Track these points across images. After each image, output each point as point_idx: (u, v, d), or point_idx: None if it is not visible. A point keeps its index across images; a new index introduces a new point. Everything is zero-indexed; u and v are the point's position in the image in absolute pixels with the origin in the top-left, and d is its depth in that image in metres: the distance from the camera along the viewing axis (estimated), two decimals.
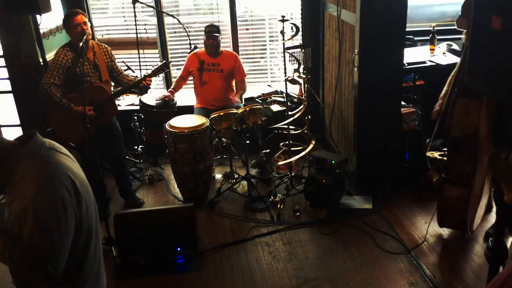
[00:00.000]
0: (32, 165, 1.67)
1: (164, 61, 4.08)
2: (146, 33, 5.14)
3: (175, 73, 5.34)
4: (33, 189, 1.62)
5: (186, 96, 5.07)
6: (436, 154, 3.55)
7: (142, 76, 3.98)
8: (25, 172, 1.66)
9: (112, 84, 4.02)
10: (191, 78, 4.87)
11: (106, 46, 3.93)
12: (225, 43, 5.23)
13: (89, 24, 3.68)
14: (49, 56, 4.22)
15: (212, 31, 4.61)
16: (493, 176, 1.70)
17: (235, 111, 4.10)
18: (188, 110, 4.72)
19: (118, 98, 4.22)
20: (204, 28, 4.72)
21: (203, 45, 4.74)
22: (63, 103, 3.59)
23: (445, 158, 3.38)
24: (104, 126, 3.82)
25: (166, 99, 4.50)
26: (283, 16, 3.93)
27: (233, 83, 4.84)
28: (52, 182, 1.65)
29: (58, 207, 1.64)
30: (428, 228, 3.52)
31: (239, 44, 5.25)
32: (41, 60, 4.05)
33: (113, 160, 4.14)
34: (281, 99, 4.58)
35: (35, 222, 1.60)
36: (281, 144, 4.44)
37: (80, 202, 1.73)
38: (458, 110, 3.16)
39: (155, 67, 3.98)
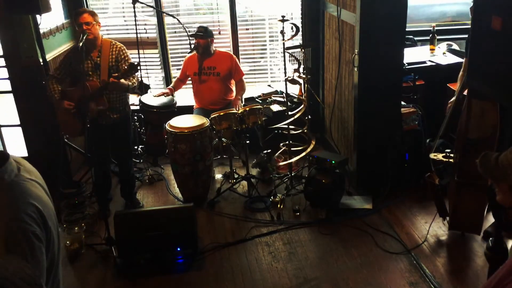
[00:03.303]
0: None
1: (132, 63, 3.68)
2: (146, 33, 5.14)
3: (175, 73, 5.34)
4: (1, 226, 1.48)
5: (186, 96, 5.07)
6: (440, 156, 3.53)
7: (141, 78, 3.96)
8: None
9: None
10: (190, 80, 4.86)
11: (120, 46, 3.79)
12: (225, 43, 5.23)
13: (94, 23, 3.63)
14: (49, 56, 4.22)
15: (197, 31, 4.51)
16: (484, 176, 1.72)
17: (235, 111, 4.10)
18: (188, 110, 4.72)
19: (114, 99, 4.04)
20: None
21: None
22: (51, 95, 3.73)
23: (450, 160, 3.32)
24: (108, 127, 3.82)
25: (165, 95, 4.51)
26: (283, 16, 3.93)
27: (232, 83, 4.82)
28: (19, 218, 1.51)
29: (30, 242, 1.50)
30: (429, 228, 3.52)
31: (239, 44, 5.25)
32: (41, 60, 4.05)
33: (119, 159, 4.16)
34: (281, 99, 4.58)
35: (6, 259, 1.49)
36: (281, 144, 4.44)
37: (47, 230, 1.60)
38: (474, 111, 3.07)
39: (124, 68, 3.66)
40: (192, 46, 4.60)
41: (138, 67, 3.66)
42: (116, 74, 3.60)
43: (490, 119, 3.04)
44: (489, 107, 3.03)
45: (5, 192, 1.52)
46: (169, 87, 4.75)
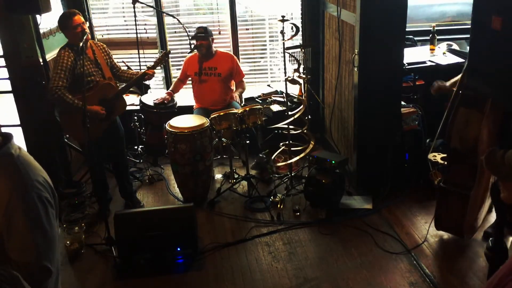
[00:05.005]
0: (9, 171, 1.65)
1: (164, 51, 4.10)
2: (146, 33, 5.15)
3: (175, 73, 5.34)
4: (16, 196, 1.60)
5: (186, 96, 5.06)
6: (438, 158, 3.53)
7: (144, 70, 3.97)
8: (3, 177, 1.64)
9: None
10: (190, 80, 4.86)
11: (102, 43, 3.94)
12: (225, 43, 5.23)
13: (87, 23, 3.69)
14: (49, 56, 4.22)
15: (198, 32, 4.50)
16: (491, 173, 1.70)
17: (235, 111, 4.10)
18: (188, 110, 4.72)
19: (127, 94, 4.24)
20: None
21: None
22: (76, 104, 3.53)
23: (446, 163, 3.34)
24: (112, 124, 3.84)
25: (165, 101, 4.49)
26: (283, 16, 3.93)
27: (232, 83, 4.82)
28: (33, 185, 1.66)
29: (45, 206, 1.66)
30: (429, 228, 3.52)
31: (239, 44, 5.25)
32: (41, 60, 4.05)
33: (116, 160, 4.13)
34: (281, 99, 4.58)
35: (26, 225, 1.59)
36: (281, 144, 4.44)
37: (55, 197, 1.77)
38: (458, 120, 3.06)
39: (157, 58, 4.01)
40: (193, 46, 4.60)
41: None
42: (151, 65, 3.91)
43: (472, 131, 3.00)
44: (474, 118, 2.99)
45: (16, 165, 1.68)
46: (168, 91, 4.71)
